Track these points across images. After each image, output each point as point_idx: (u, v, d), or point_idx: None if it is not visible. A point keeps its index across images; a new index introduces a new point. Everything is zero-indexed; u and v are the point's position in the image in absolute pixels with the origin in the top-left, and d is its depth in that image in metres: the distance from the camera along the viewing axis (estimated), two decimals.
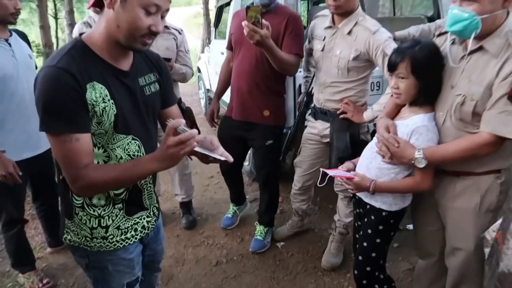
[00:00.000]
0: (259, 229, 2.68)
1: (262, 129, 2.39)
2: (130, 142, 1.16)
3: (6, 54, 1.92)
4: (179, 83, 2.76)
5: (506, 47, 1.26)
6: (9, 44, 1.95)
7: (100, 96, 1.05)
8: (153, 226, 1.35)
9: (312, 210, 3.02)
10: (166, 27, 2.53)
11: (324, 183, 1.72)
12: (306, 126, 2.40)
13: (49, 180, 2.30)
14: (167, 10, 1.08)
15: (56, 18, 11.67)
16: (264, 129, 2.39)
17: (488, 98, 1.29)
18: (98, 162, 1.12)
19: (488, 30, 1.28)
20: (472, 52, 1.35)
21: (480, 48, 1.33)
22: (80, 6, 13.63)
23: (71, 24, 8.71)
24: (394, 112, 1.63)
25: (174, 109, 1.37)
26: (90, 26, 2.55)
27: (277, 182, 2.64)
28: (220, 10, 4.98)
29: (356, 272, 1.74)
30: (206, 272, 2.44)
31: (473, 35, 1.26)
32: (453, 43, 1.44)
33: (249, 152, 3.11)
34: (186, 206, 3.00)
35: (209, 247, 2.70)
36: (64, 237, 1.24)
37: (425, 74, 1.44)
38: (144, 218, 1.30)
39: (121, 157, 1.14)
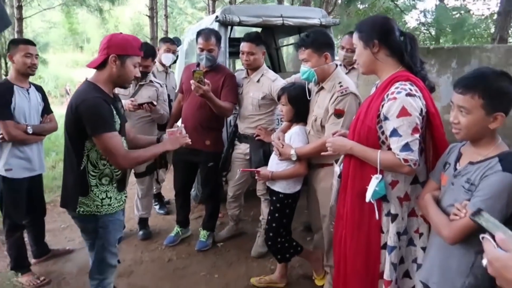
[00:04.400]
0: (203, 233, 3.39)
1: (204, 155, 3.16)
2: (123, 140, 1.95)
3: (25, 99, 2.70)
4: None
5: (333, 86, 2.21)
6: (28, 93, 2.73)
7: (115, 113, 1.88)
8: (125, 202, 2.11)
9: (245, 216, 3.79)
10: (151, 81, 3.35)
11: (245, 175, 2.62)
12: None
13: (40, 198, 2.97)
14: (139, 63, 1.99)
15: None
16: (206, 154, 3.16)
17: (326, 116, 2.21)
18: None
19: (323, 76, 2.23)
20: (319, 90, 2.30)
21: (322, 88, 2.28)
22: None
23: None
24: (286, 129, 2.53)
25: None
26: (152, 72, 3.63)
27: (218, 196, 3.40)
28: None
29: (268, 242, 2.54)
30: (160, 267, 3.09)
31: (313, 80, 2.21)
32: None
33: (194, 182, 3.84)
34: (144, 221, 3.65)
35: (162, 250, 3.35)
36: (77, 210, 1.91)
37: (297, 103, 2.37)
38: (124, 194, 2.08)
39: None
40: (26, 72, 2.70)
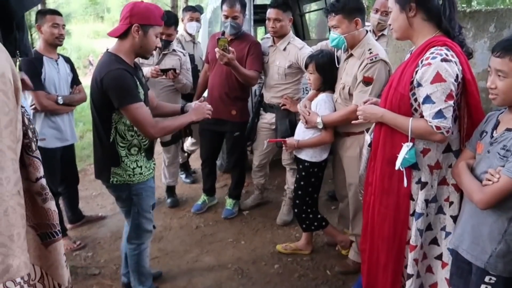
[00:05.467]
0: (229, 201, 3.46)
1: (230, 124, 3.18)
2: (148, 109, 1.97)
3: (54, 70, 2.75)
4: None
5: (363, 53, 2.15)
6: (57, 64, 2.79)
7: (138, 84, 1.90)
8: (154, 169, 2.17)
9: (270, 185, 3.85)
10: (174, 50, 3.33)
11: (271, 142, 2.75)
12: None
13: (73, 167, 3.07)
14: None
15: None
16: (232, 124, 3.18)
17: (355, 84, 2.17)
18: None
19: (353, 43, 2.18)
20: (348, 58, 2.25)
21: (351, 55, 2.22)
22: None
23: None
24: (313, 97, 2.51)
25: (149, 92, 2.22)
26: (180, 41, 3.75)
27: (244, 165, 3.45)
28: None
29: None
30: (189, 233, 3.19)
31: (342, 47, 2.16)
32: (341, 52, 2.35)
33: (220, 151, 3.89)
34: (171, 190, 3.75)
35: (190, 218, 3.45)
36: (111, 180, 1.98)
37: (325, 71, 2.33)
38: (153, 162, 2.13)
39: None
40: (54, 42, 2.74)
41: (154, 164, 2.17)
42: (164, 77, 3.14)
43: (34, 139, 0.95)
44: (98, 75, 1.85)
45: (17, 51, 1.00)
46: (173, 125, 2.03)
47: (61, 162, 2.90)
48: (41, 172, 0.97)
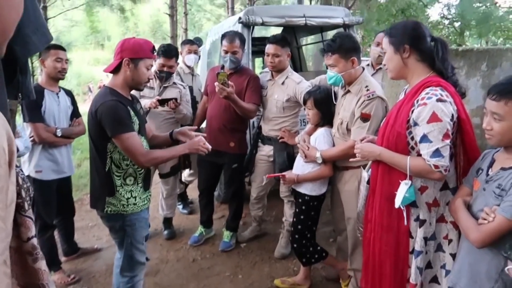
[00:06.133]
0: (226, 233, 3.43)
1: (229, 156, 3.20)
2: (143, 139, 2.01)
3: (54, 102, 2.79)
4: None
5: (359, 90, 2.20)
6: (58, 96, 2.82)
7: (133, 114, 1.94)
8: (150, 200, 2.18)
9: (268, 217, 3.82)
10: (174, 83, 3.39)
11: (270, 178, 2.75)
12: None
13: (69, 199, 3.06)
14: (152, 65, 2.04)
15: None
16: (231, 156, 3.20)
17: (352, 120, 2.21)
18: None
19: (350, 80, 2.23)
20: (345, 94, 2.29)
21: (348, 91, 2.27)
22: None
23: None
24: (311, 132, 2.54)
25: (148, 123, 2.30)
26: (179, 74, 3.85)
27: (242, 197, 3.44)
28: None
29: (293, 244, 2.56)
30: (185, 266, 3.15)
31: (340, 84, 2.21)
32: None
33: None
34: (169, 221, 3.71)
35: (187, 250, 3.41)
36: (105, 210, 1.99)
37: (323, 107, 2.38)
38: (149, 193, 2.15)
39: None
40: (57, 76, 2.79)
41: (150, 195, 2.18)
42: (165, 108, 3.18)
43: (28, 198, 0.95)
44: (94, 107, 1.93)
45: (19, 94, 1.01)
46: (165, 156, 2.07)
47: (57, 194, 2.89)
48: (32, 231, 0.96)
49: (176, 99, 3.16)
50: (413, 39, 1.66)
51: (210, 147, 2.13)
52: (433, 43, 1.67)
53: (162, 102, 3.08)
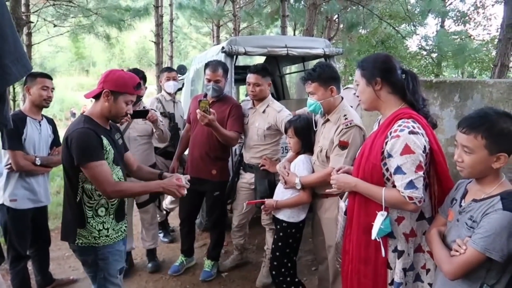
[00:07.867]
0: (207, 263, 3.37)
1: (211, 184, 3.18)
2: (119, 169, 1.98)
3: (36, 131, 2.75)
4: None
5: (338, 119, 2.25)
6: (40, 125, 2.79)
7: (107, 144, 1.91)
8: (126, 232, 2.12)
9: (250, 245, 3.77)
10: (144, 107, 3.34)
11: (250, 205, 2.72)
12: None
13: (45, 229, 2.97)
14: (133, 101, 2.03)
15: None
16: (213, 184, 3.18)
17: (331, 147, 2.24)
18: None
19: (329, 109, 2.28)
20: (324, 122, 2.34)
21: (328, 120, 2.32)
22: None
23: None
24: (292, 159, 2.56)
25: (128, 153, 2.26)
26: (161, 101, 3.86)
27: (223, 225, 3.39)
28: None
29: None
30: None
31: (319, 112, 2.26)
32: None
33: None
34: (152, 252, 3.59)
35: (166, 280, 3.32)
36: (76, 242, 1.93)
37: (303, 135, 2.41)
38: (123, 224, 2.10)
39: (117, 178, 1.97)
40: (41, 104, 2.77)
41: (126, 226, 2.13)
42: (143, 122, 3.18)
43: None
44: (66, 134, 1.90)
45: None
46: (135, 190, 2.03)
47: (33, 224, 2.81)
48: None
49: (147, 110, 3.01)
50: (384, 72, 1.72)
51: (185, 192, 2.00)
52: (404, 76, 1.73)
53: (135, 115, 2.86)
